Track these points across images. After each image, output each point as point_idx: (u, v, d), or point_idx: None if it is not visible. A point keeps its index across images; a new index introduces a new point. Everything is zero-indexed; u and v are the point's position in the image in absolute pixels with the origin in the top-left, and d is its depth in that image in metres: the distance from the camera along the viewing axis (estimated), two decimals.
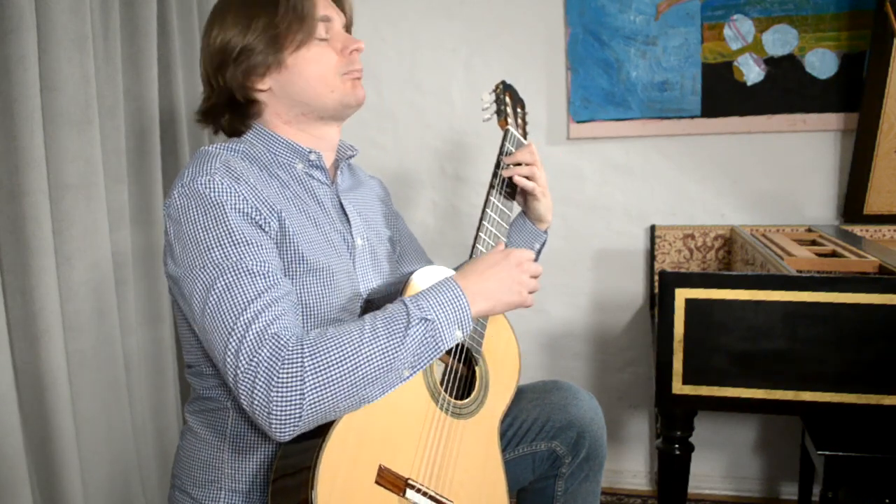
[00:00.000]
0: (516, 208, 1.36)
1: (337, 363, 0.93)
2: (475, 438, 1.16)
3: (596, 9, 2.10)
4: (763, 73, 2.03)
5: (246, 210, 1.02)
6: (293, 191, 1.13)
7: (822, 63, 1.99)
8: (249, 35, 1.10)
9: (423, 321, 0.99)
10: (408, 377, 1.00)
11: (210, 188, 1.01)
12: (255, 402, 0.92)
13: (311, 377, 0.92)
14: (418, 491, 1.05)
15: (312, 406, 0.92)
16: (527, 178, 1.29)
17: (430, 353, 1.01)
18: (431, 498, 1.06)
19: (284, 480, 0.99)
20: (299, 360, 0.92)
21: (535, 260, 1.37)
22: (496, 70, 2.21)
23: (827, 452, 1.42)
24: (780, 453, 2.18)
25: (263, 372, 0.91)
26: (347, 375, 0.94)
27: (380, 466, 1.01)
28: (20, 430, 1.36)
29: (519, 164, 1.29)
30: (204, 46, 1.15)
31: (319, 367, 0.93)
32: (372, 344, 0.96)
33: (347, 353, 0.94)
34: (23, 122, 1.35)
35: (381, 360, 0.96)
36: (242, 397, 0.93)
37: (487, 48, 2.21)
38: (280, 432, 0.92)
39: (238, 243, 0.99)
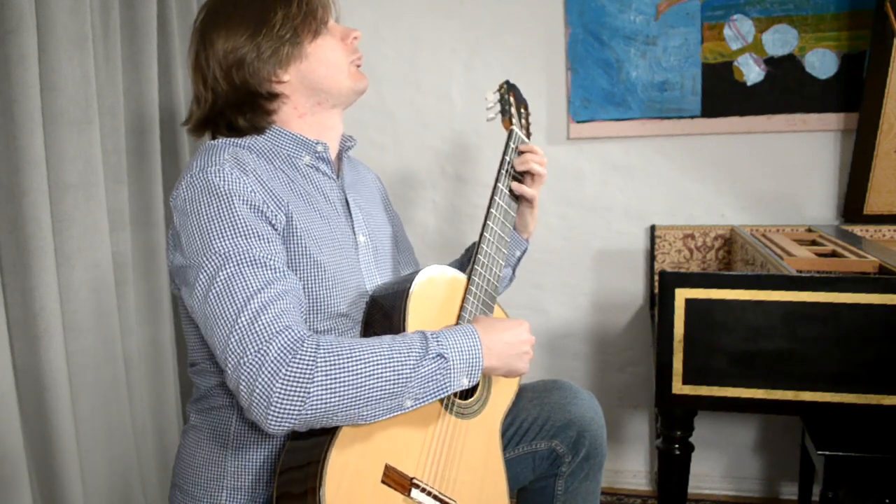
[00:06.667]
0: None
1: (349, 371, 0.93)
2: (478, 438, 1.16)
3: (596, 9, 2.10)
4: (763, 73, 2.03)
5: (254, 202, 1.02)
6: (300, 184, 1.13)
7: (822, 63, 1.99)
8: (268, 30, 1.10)
9: (439, 357, 1.00)
10: (408, 408, 0.99)
11: (220, 178, 1.01)
12: (256, 391, 0.90)
13: (320, 376, 0.91)
14: (423, 490, 1.05)
15: (314, 405, 0.91)
16: (533, 175, 1.30)
17: (436, 390, 1.00)
18: (435, 497, 1.07)
19: (291, 473, 1.00)
20: (312, 357, 0.92)
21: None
22: (496, 70, 2.21)
23: (827, 452, 1.42)
24: (780, 453, 2.18)
25: (271, 362, 0.91)
26: (355, 386, 0.93)
27: (386, 466, 1.02)
28: (20, 430, 1.36)
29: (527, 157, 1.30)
30: (207, 54, 1.13)
31: (331, 369, 0.92)
32: (387, 363, 0.96)
33: (361, 364, 0.94)
34: (23, 122, 1.35)
35: (391, 381, 0.96)
36: (242, 384, 0.91)
37: (487, 48, 2.21)
38: (276, 424, 0.91)
39: (245, 234, 0.99)
